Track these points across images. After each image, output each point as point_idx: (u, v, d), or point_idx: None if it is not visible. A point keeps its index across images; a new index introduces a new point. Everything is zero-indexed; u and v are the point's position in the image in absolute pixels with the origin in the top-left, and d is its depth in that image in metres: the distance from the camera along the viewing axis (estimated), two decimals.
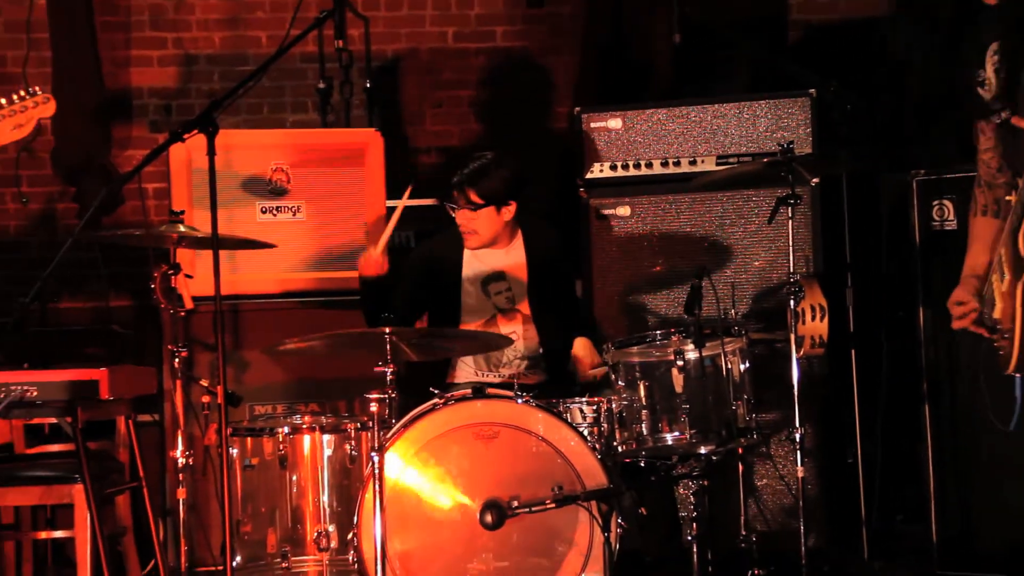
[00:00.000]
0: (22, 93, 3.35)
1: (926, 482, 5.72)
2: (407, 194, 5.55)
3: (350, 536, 4.88)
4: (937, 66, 4.73)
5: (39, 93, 3.37)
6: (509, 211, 5.53)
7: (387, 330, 4.64)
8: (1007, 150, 4.03)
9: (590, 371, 5.46)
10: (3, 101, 3.30)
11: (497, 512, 4.50)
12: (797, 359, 5.14)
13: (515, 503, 4.52)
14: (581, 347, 5.56)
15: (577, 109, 6.23)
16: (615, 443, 4.95)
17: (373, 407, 4.60)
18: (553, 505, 4.53)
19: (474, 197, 5.43)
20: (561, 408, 4.85)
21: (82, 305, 7.43)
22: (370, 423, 4.63)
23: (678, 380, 4.97)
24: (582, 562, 4.62)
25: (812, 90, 5.94)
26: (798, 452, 5.20)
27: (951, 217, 5.63)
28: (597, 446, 4.71)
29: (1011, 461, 5.20)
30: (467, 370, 5.63)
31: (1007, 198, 4.07)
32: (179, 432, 5.36)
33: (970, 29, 4.19)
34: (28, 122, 3.35)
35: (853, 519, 5.82)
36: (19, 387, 4.66)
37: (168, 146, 5.04)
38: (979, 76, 4.17)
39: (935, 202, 5.69)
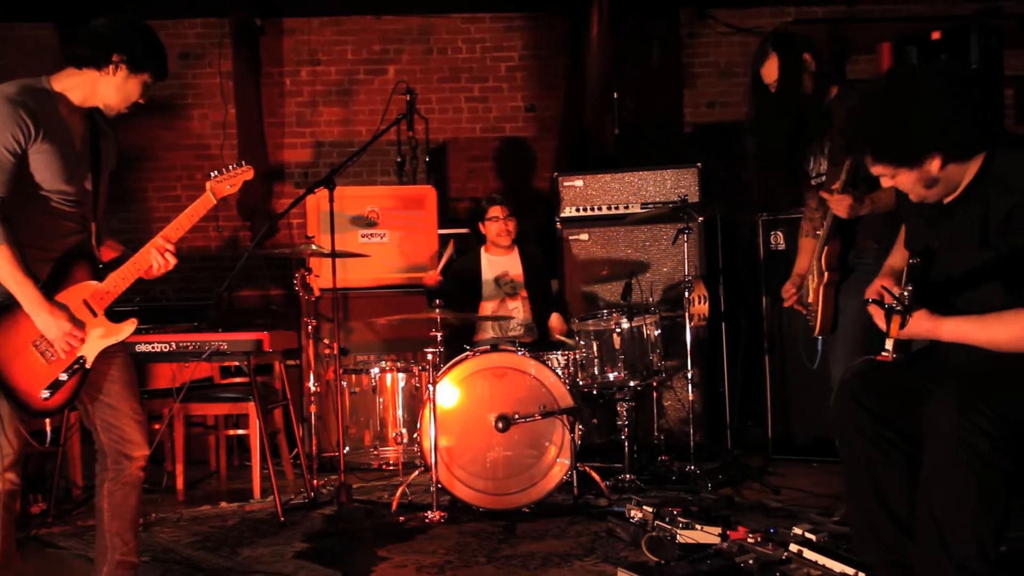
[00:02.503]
0: (233, 165, 3.32)
1: (765, 402, 5.77)
2: (450, 247, 5.88)
3: (415, 435, 4.86)
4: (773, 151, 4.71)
5: (244, 164, 3.34)
6: (515, 225, 5.71)
7: (437, 312, 4.66)
8: (820, 200, 4.00)
9: (558, 335, 5.45)
10: (224, 170, 3.28)
11: (505, 421, 4.47)
12: (689, 328, 5.12)
13: (516, 416, 4.48)
14: (555, 319, 5.59)
15: (555, 174, 6.18)
16: (578, 379, 4.95)
17: (429, 356, 4.64)
18: (540, 417, 4.52)
19: (510, 210, 5.65)
20: (545, 358, 4.82)
21: (253, 293, 7.41)
22: (427, 367, 4.64)
23: (617, 340, 4.98)
24: (557, 452, 4.59)
25: (699, 164, 5.91)
26: (689, 385, 5.18)
27: (782, 242, 5.66)
28: (567, 381, 4.68)
29: (813, 389, 5.19)
30: (487, 333, 5.63)
31: (817, 232, 4.07)
32: (311, 371, 5.36)
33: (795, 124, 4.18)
34: (237, 183, 3.32)
35: (722, 425, 5.83)
36: (216, 343, 4.70)
37: (305, 197, 5.02)
38: (806, 156, 4.19)
39: (772, 232, 5.72)
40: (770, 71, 4.10)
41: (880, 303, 2.69)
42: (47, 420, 3.11)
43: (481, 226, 5.73)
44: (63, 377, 3.02)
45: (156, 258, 3.14)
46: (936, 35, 5.71)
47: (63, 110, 3.05)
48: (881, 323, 2.72)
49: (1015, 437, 2.45)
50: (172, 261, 3.16)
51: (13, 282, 2.90)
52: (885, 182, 2.74)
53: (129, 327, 3.17)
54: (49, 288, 3.00)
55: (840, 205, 3.80)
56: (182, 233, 3.18)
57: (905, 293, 2.62)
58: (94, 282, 3.10)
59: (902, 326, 2.62)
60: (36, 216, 3.01)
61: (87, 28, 3.07)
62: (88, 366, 3.08)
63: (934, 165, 2.61)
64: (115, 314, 3.16)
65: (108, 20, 3.09)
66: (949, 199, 2.73)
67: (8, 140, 2.88)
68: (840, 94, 4.06)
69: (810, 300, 4.11)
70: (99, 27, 3.07)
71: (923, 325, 2.65)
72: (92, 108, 3.13)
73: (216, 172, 3.30)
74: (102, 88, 3.07)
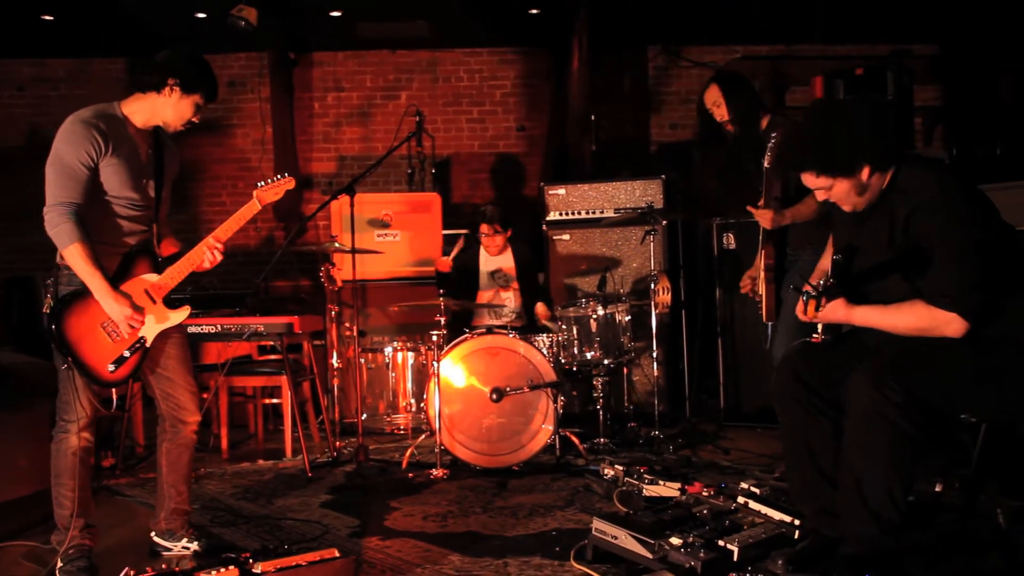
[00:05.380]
0: (277, 176, 3.32)
1: (718, 377, 5.73)
2: (460, 242, 5.58)
3: (422, 404, 4.85)
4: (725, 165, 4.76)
5: (287, 176, 3.34)
6: (507, 235, 5.53)
7: (440, 299, 4.64)
8: None
9: (543, 321, 5.40)
10: (269, 180, 3.29)
11: (498, 393, 4.46)
12: (655, 315, 5.09)
13: (508, 388, 4.47)
14: (540, 307, 5.49)
15: (542, 184, 6.15)
16: (560, 358, 4.91)
17: (434, 338, 4.60)
18: (528, 390, 4.49)
19: (498, 227, 5.44)
20: (532, 340, 4.75)
21: (285, 284, 7.40)
22: (432, 347, 4.61)
23: (593, 325, 4.95)
24: (543, 420, 4.55)
25: (663, 176, 5.89)
26: (654, 363, 5.19)
27: (732, 243, 5.63)
28: (551, 359, 4.64)
29: (758, 366, 5.17)
30: (483, 319, 5.58)
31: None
32: (334, 350, 5.35)
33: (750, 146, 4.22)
34: (280, 192, 3.33)
35: (681, 397, 5.75)
36: (254, 325, 4.68)
37: (330, 202, 5.00)
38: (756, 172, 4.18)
39: (724, 234, 5.68)
40: (711, 97, 4.21)
41: (800, 290, 2.74)
42: (113, 389, 3.12)
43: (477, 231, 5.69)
44: (126, 354, 3.04)
45: (207, 255, 3.16)
46: (859, 71, 5.75)
47: (130, 129, 3.08)
48: (799, 308, 2.76)
49: (919, 407, 2.48)
50: (220, 257, 3.18)
51: (85, 273, 2.93)
52: (821, 195, 2.77)
53: (183, 313, 3.19)
54: (116, 278, 3.02)
55: (763, 218, 3.88)
56: (231, 234, 3.19)
57: (821, 283, 2.68)
58: (154, 275, 3.13)
59: (817, 308, 2.68)
60: (107, 218, 3.03)
61: (150, 60, 3.11)
62: (148, 345, 3.10)
63: (865, 173, 2.65)
64: (173, 301, 3.18)
65: (167, 52, 3.12)
66: (866, 206, 2.76)
67: (83, 156, 2.92)
68: (770, 122, 4.09)
69: (759, 291, 4.12)
70: (159, 58, 3.11)
71: (840, 312, 2.71)
72: (156, 126, 3.15)
73: (262, 182, 3.31)
74: (160, 108, 3.09)
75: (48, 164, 2.94)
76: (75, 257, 2.90)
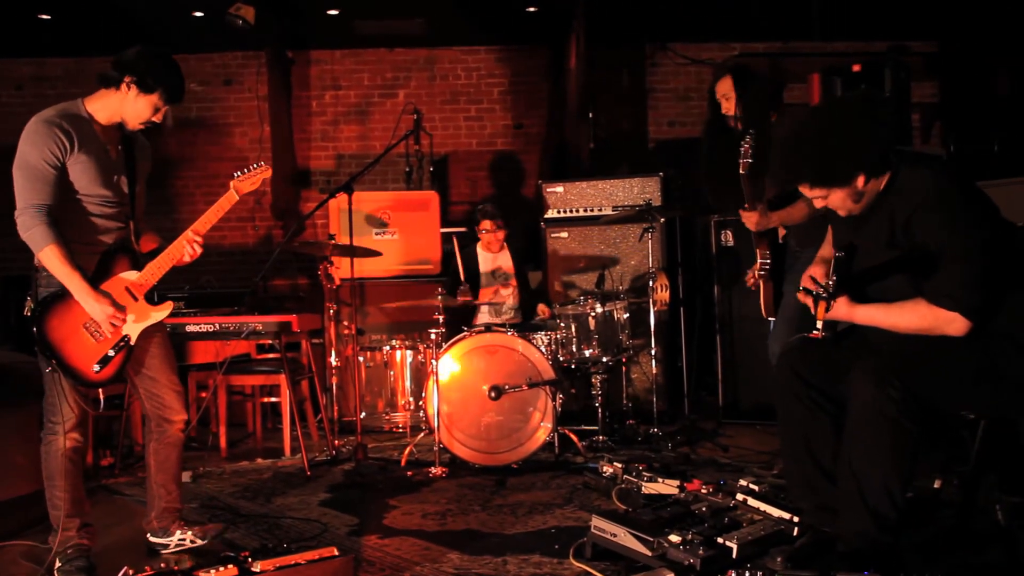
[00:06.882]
0: (254, 165, 3.31)
1: (716, 375, 5.71)
2: (456, 248, 5.47)
3: (420, 403, 4.84)
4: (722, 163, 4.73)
5: (263, 164, 3.34)
6: (506, 232, 5.58)
7: (439, 299, 4.63)
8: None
9: (539, 318, 5.40)
10: (246, 170, 3.29)
11: (497, 391, 4.45)
12: (653, 312, 5.09)
13: (507, 386, 4.46)
14: (542, 307, 5.48)
15: (540, 181, 6.13)
16: (559, 355, 4.90)
17: (432, 336, 4.59)
18: (526, 388, 4.48)
19: (501, 221, 5.53)
20: (531, 337, 4.73)
21: (284, 282, 7.40)
22: (430, 345, 4.60)
23: (592, 322, 4.93)
24: (541, 417, 4.54)
25: (661, 173, 5.86)
26: (653, 360, 5.18)
27: (731, 240, 5.61)
28: (549, 357, 4.62)
29: (756, 363, 5.14)
30: (483, 316, 5.55)
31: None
32: (332, 349, 5.33)
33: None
34: (256, 181, 3.33)
35: (680, 394, 5.76)
36: (252, 324, 4.65)
37: (328, 200, 5.00)
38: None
39: (722, 231, 5.66)
40: (722, 88, 4.17)
41: (809, 292, 2.72)
42: (100, 390, 3.09)
43: (476, 228, 5.69)
44: (111, 353, 3.02)
45: (187, 249, 3.14)
46: (856, 68, 5.73)
47: (96, 127, 3.04)
48: (812, 308, 2.74)
49: (919, 404, 2.48)
50: (199, 251, 3.16)
51: (63, 274, 2.91)
52: (818, 203, 2.75)
53: (166, 309, 3.18)
54: (96, 278, 3.00)
55: (749, 220, 3.88)
56: (209, 227, 3.17)
57: (830, 283, 2.66)
58: (134, 272, 3.11)
59: (827, 310, 2.66)
60: (81, 217, 3.01)
61: (116, 56, 3.05)
62: (132, 343, 3.08)
63: (860, 181, 2.64)
64: (160, 299, 3.18)
65: (133, 50, 3.05)
66: (862, 210, 2.75)
67: (48, 155, 2.89)
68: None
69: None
70: (123, 54, 3.04)
71: (843, 310, 2.70)
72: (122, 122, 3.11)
73: (239, 172, 3.29)
74: (119, 106, 3.04)
75: (15, 167, 2.91)
76: (51, 259, 2.89)
